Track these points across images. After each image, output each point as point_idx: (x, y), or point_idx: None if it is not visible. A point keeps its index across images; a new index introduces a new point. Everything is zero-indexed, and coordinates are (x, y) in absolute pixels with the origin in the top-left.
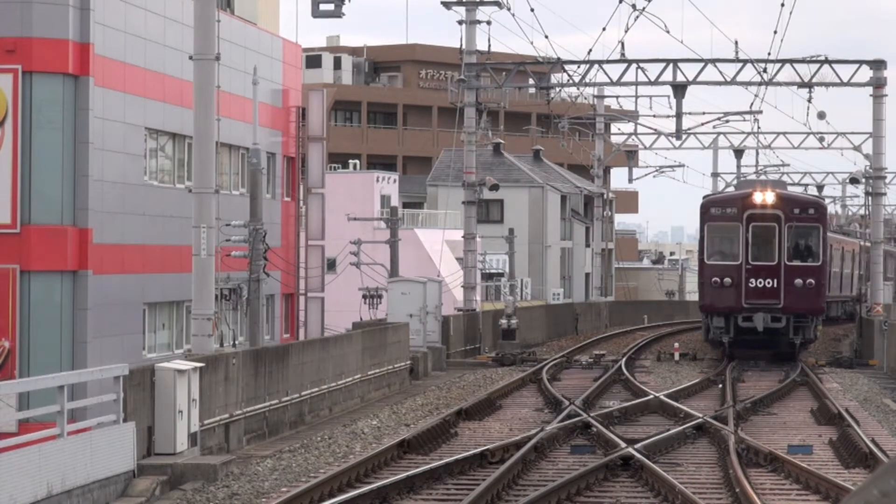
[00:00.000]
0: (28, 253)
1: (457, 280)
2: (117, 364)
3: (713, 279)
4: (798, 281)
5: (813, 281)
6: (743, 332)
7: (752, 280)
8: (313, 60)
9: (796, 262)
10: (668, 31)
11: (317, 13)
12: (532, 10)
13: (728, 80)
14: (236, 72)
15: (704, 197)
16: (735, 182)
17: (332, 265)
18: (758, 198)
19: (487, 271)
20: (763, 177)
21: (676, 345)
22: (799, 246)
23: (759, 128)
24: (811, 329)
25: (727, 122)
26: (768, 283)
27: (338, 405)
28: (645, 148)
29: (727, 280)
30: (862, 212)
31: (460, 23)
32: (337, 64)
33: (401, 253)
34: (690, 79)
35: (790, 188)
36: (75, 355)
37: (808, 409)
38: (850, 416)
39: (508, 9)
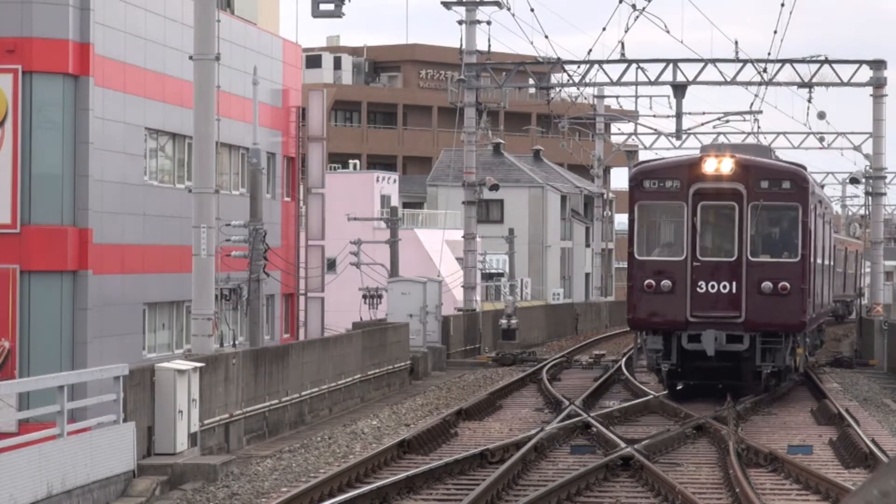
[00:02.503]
0: (28, 253)
1: (457, 280)
2: (117, 364)
3: (646, 282)
4: (767, 284)
5: (788, 284)
6: (690, 358)
7: (702, 283)
8: (313, 60)
9: (764, 258)
10: (668, 31)
11: (317, 13)
12: (532, 10)
13: (728, 80)
14: (236, 72)
15: (636, 165)
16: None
17: (332, 265)
18: (709, 165)
19: (487, 271)
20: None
21: None
22: (770, 234)
23: (759, 128)
24: (786, 353)
25: (727, 122)
26: (724, 287)
27: (338, 405)
28: (645, 148)
29: (665, 283)
30: (862, 212)
31: (460, 23)
32: (337, 64)
33: (401, 253)
34: (690, 79)
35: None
36: (75, 355)
37: (808, 409)
38: (850, 416)
39: (508, 9)
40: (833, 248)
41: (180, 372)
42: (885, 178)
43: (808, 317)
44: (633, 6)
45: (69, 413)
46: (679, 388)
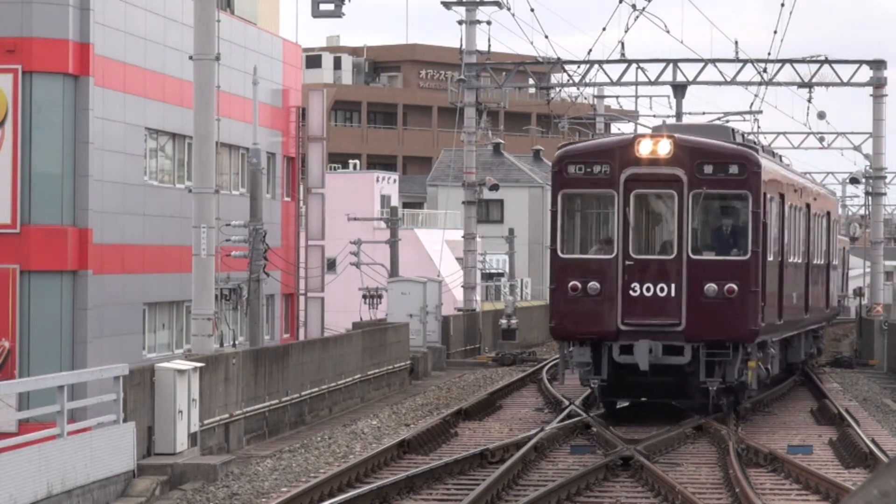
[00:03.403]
0: (28, 253)
1: (457, 280)
2: (117, 364)
3: (571, 284)
4: (711, 286)
5: (736, 286)
6: (624, 372)
7: (635, 285)
8: (313, 60)
9: (709, 256)
10: (668, 31)
11: (317, 13)
12: (532, 10)
13: (728, 80)
14: (236, 72)
15: (560, 147)
16: None
17: (332, 265)
18: (644, 147)
19: (487, 271)
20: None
21: None
22: (715, 228)
23: (759, 128)
24: (736, 367)
25: (727, 122)
26: (661, 290)
27: (338, 405)
28: None
29: (593, 286)
30: (862, 212)
31: (460, 23)
32: (337, 64)
33: (401, 253)
34: (690, 79)
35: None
36: (75, 355)
37: (808, 409)
38: (850, 416)
39: (508, 9)
40: (828, 247)
41: (180, 372)
42: (885, 178)
43: (762, 324)
44: (633, 6)
45: (69, 413)
46: (621, 405)
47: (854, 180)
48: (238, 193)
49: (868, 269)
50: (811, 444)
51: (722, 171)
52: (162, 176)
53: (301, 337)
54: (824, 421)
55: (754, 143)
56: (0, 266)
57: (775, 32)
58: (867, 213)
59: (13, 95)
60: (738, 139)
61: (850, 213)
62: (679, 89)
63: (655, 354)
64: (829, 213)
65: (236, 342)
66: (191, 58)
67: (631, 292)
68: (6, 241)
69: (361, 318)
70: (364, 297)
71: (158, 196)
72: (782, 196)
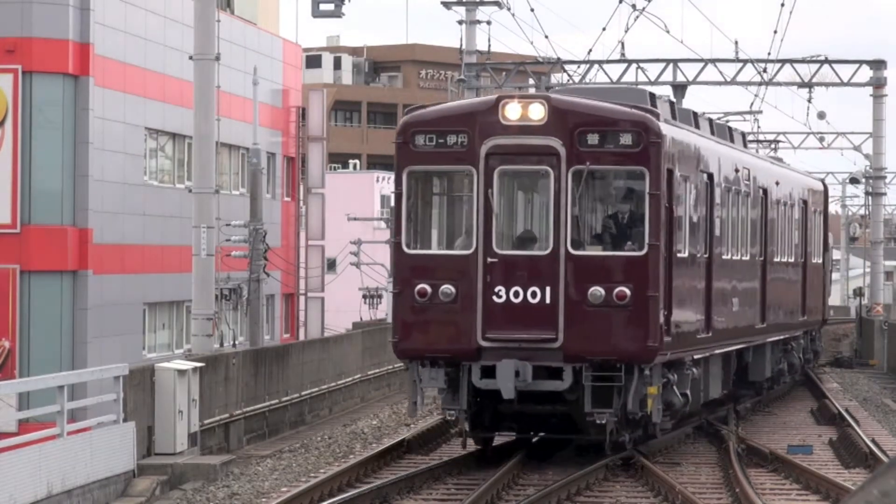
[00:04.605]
0: (28, 253)
1: None
2: (117, 364)
3: (419, 288)
4: (596, 290)
5: (628, 290)
6: (490, 400)
7: (500, 289)
8: (313, 60)
9: (594, 251)
10: (668, 31)
11: (317, 13)
12: (532, 10)
13: (728, 80)
14: (236, 72)
15: (407, 111)
16: None
17: (332, 265)
18: (511, 111)
19: None
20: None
21: None
22: (607, 215)
23: (759, 128)
24: (639, 393)
25: (727, 122)
26: (533, 295)
27: (338, 405)
28: None
29: (447, 290)
30: (862, 212)
31: (460, 23)
32: (337, 64)
33: None
34: (690, 79)
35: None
36: (75, 355)
37: (808, 409)
38: (850, 416)
39: (508, 9)
40: (802, 242)
41: (180, 372)
42: (885, 178)
43: (667, 339)
44: (633, 6)
45: (69, 413)
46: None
47: (854, 180)
48: (238, 193)
49: (868, 269)
50: (811, 444)
51: (611, 142)
52: (162, 176)
53: (301, 337)
54: (824, 421)
55: (673, 106)
56: (0, 266)
57: (775, 32)
58: (867, 213)
59: (13, 95)
60: (653, 106)
61: (850, 213)
62: (679, 89)
63: (524, 378)
64: (805, 203)
65: (236, 342)
66: (191, 58)
67: (495, 298)
68: (6, 241)
69: (361, 318)
70: (364, 297)
71: (158, 196)
72: (710, 175)
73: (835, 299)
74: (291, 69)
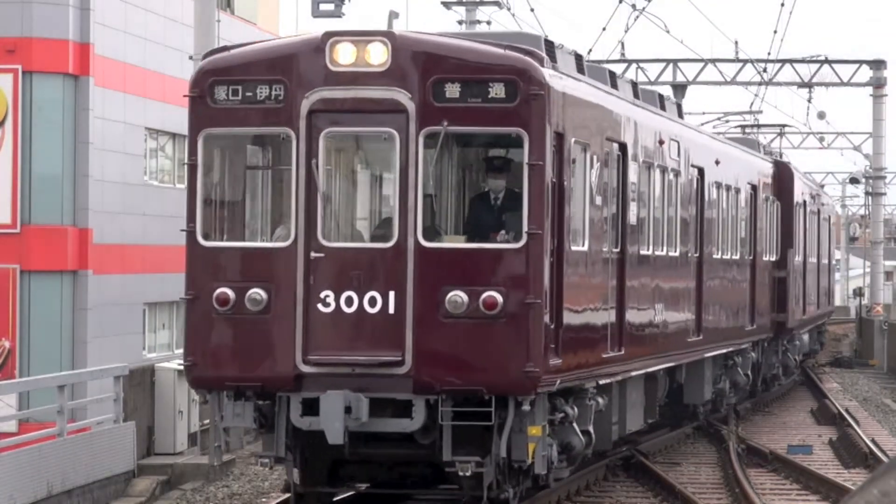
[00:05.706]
0: (28, 253)
1: None
2: (117, 364)
3: (219, 292)
4: (457, 296)
5: (500, 295)
6: (318, 445)
7: (327, 294)
8: None
9: (453, 243)
10: (668, 31)
11: (317, 13)
12: (532, 10)
13: (728, 80)
14: None
15: (206, 54)
16: None
17: None
18: (344, 54)
19: None
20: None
21: None
22: (472, 195)
23: (759, 129)
24: (518, 434)
25: (727, 122)
26: (372, 302)
27: None
28: None
29: (256, 296)
30: (862, 212)
31: (460, 23)
32: None
33: None
34: (690, 79)
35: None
36: (75, 355)
37: (808, 409)
38: (850, 416)
39: (508, 9)
40: (751, 235)
41: (180, 372)
42: (885, 178)
43: (556, 361)
44: (633, 6)
45: (69, 413)
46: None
47: (854, 180)
48: None
49: (868, 269)
50: (811, 444)
51: (478, 95)
52: (162, 176)
53: None
54: (824, 421)
55: (564, 51)
56: (0, 266)
57: (775, 32)
58: (867, 213)
59: (13, 95)
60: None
61: (849, 213)
62: (679, 89)
63: (357, 415)
64: (753, 188)
65: None
66: (191, 58)
67: (320, 307)
68: (6, 241)
69: None
70: None
71: (158, 196)
72: (622, 146)
73: (834, 299)
74: None
